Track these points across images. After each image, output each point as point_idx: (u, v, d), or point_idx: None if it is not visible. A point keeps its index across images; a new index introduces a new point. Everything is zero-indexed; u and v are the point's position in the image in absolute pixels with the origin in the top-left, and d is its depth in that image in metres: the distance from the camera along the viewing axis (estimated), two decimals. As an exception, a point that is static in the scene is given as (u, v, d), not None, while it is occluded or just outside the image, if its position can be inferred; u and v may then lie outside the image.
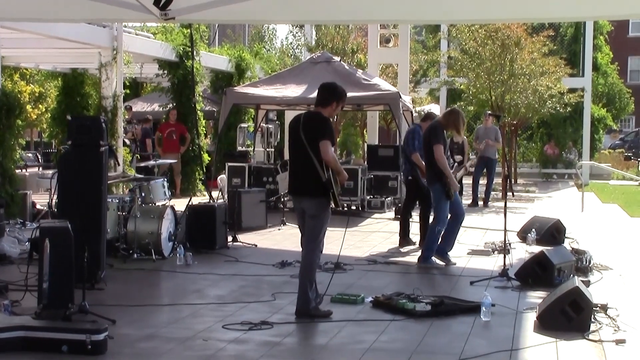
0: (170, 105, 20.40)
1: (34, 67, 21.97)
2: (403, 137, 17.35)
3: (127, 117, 19.37)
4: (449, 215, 10.30)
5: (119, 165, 14.47)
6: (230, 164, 17.39)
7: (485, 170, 18.62)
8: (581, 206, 18.09)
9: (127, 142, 19.06)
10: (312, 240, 7.45)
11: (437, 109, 27.06)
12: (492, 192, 19.58)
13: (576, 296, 7.01)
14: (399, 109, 16.03)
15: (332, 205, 7.41)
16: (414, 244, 11.92)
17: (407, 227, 12.10)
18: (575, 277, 8.24)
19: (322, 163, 7.22)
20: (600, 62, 34.96)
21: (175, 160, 16.63)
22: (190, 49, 18.42)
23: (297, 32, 33.69)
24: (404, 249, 11.74)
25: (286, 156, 18.10)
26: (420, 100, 28.03)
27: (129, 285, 9.01)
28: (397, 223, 12.44)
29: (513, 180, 25.06)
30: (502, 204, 13.07)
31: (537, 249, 10.65)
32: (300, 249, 7.67)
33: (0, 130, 13.63)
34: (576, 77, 29.64)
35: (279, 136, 20.31)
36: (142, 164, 12.83)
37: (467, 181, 17.90)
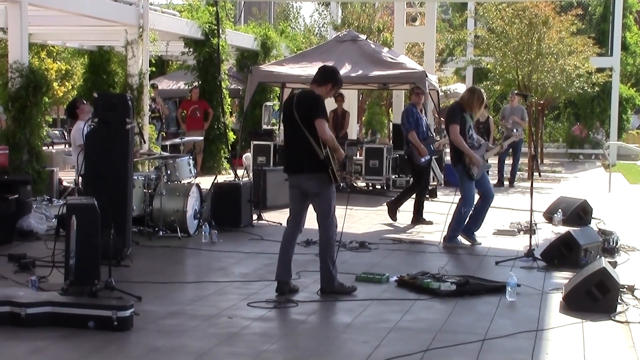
0: (196, 83, 20.38)
1: (61, 45, 22.11)
2: (427, 117, 17.42)
3: (152, 95, 19.40)
4: (479, 196, 10.24)
5: (145, 142, 14.49)
6: (255, 142, 17.40)
7: (511, 150, 18.50)
8: (608, 187, 17.96)
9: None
10: (324, 218, 7.42)
11: (463, 88, 26.98)
12: (518, 172, 19.49)
13: (603, 277, 6.96)
14: (425, 88, 15.96)
15: (333, 182, 7.33)
16: (429, 222, 11.97)
17: (420, 206, 12.20)
18: (602, 258, 8.16)
19: (318, 141, 7.18)
20: (629, 42, 34.52)
21: (202, 138, 16.67)
22: (216, 27, 18.38)
23: (322, 11, 33.50)
24: (416, 227, 11.78)
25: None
26: (446, 80, 27.87)
27: (154, 262, 9.05)
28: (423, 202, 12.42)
29: (539, 160, 24.90)
30: (528, 184, 12.98)
31: (563, 229, 10.56)
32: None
33: (27, 107, 13.69)
34: (604, 56, 29.35)
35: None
36: (169, 142, 12.84)
37: (493, 161, 17.81)
